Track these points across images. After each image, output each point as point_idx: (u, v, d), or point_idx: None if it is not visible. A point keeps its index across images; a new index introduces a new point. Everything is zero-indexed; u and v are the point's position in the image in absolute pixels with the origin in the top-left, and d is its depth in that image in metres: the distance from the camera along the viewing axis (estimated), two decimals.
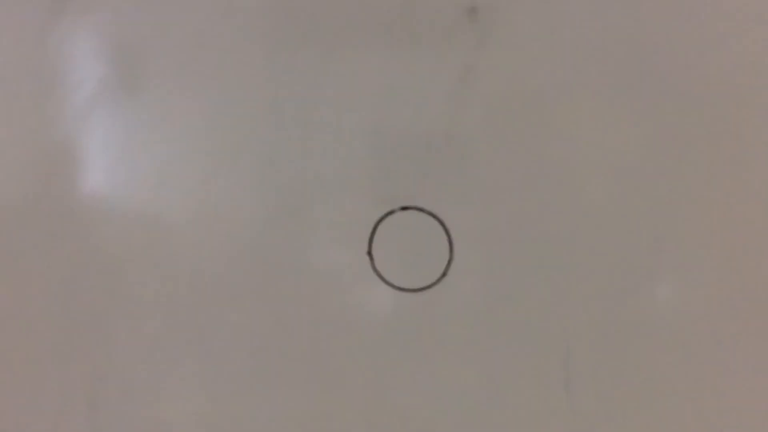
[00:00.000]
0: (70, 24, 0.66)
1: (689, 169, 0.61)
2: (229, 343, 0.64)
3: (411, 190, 0.62)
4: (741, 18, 0.62)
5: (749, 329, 0.61)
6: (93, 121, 0.65)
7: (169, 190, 0.65)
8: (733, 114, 0.61)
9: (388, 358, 0.63)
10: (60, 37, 0.66)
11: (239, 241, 0.64)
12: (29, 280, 0.66)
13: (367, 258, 0.63)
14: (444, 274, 0.62)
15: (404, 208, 0.62)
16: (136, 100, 0.65)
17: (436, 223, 0.62)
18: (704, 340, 0.61)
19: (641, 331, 0.61)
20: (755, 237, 0.61)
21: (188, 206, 0.64)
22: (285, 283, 0.63)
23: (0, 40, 0.66)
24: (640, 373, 0.62)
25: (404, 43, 0.63)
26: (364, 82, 0.63)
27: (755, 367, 0.61)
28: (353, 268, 0.63)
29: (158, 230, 0.65)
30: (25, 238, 0.66)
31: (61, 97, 0.65)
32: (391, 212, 0.62)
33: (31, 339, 0.66)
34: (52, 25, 0.66)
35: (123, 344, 0.65)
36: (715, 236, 0.61)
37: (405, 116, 0.63)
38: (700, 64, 0.62)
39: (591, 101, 0.62)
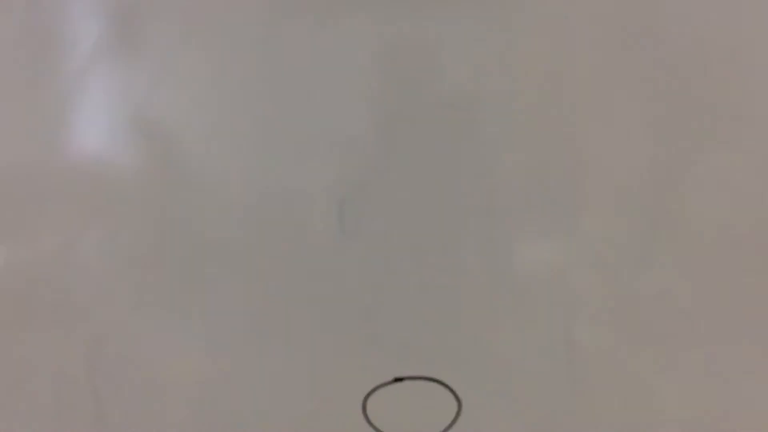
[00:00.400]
0: None
1: (690, 169, 0.60)
2: (230, 303, 0.64)
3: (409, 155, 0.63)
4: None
5: (749, 329, 0.61)
6: (91, 80, 0.64)
7: (171, 149, 0.64)
8: (734, 113, 0.60)
9: None
10: None
11: (240, 197, 0.63)
12: (29, 237, 0.65)
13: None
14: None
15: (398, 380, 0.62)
16: (136, 57, 0.63)
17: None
18: (704, 340, 0.61)
19: (641, 330, 0.62)
20: (756, 236, 0.60)
21: (191, 164, 0.64)
22: (286, 242, 0.64)
23: None
24: (640, 373, 0.62)
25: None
26: (365, 45, 0.62)
27: (755, 367, 0.61)
28: None
29: (160, 189, 0.64)
30: (22, 201, 0.64)
31: (57, 57, 0.63)
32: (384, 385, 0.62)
33: (29, 294, 0.65)
34: None
35: (122, 306, 0.65)
36: (714, 235, 0.60)
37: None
38: (705, 64, 0.60)
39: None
